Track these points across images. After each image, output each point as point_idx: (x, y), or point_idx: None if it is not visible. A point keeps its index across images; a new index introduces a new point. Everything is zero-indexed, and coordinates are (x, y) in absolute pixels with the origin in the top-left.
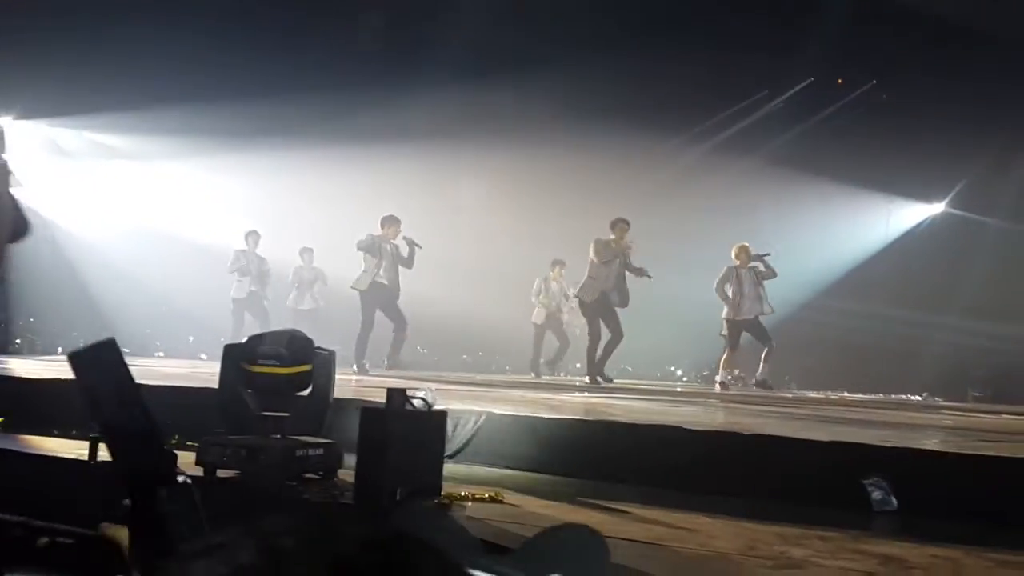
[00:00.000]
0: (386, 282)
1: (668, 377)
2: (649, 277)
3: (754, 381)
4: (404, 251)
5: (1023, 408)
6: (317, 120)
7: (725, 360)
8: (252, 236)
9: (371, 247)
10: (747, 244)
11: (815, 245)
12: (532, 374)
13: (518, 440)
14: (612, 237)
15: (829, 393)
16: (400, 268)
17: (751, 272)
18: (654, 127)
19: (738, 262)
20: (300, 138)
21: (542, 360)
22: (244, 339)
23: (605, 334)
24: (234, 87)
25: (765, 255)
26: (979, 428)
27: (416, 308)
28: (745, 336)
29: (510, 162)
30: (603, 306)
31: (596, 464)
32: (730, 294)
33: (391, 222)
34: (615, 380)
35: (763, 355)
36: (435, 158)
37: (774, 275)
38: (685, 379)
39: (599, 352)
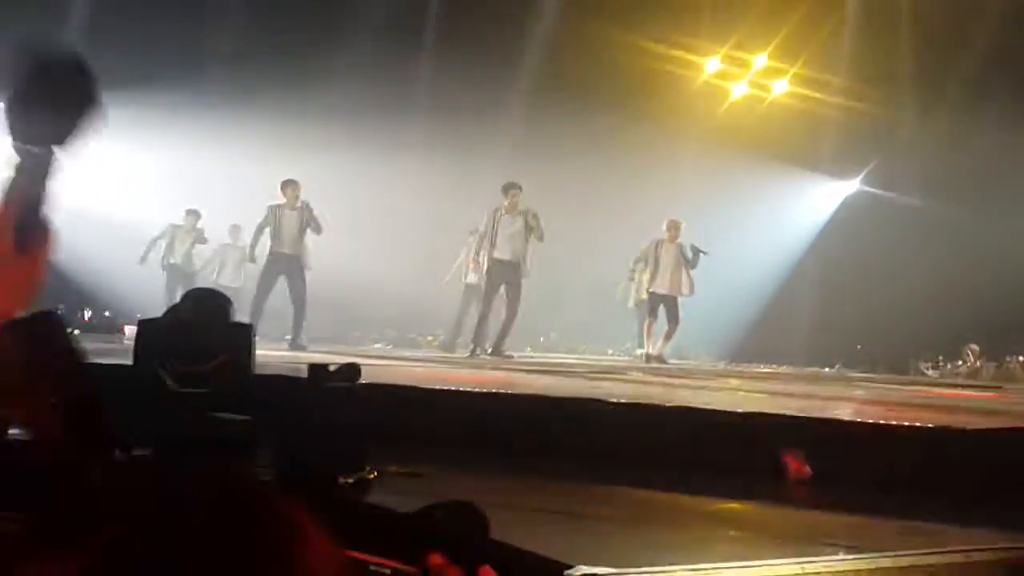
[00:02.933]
0: (287, 251)
1: (599, 352)
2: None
3: (650, 355)
4: (308, 216)
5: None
6: (239, 94)
7: (648, 330)
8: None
9: (265, 218)
10: (679, 220)
11: (743, 221)
12: (451, 346)
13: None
14: (504, 203)
15: (759, 366)
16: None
17: (677, 248)
18: (576, 99)
19: (666, 236)
20: (218, 113)
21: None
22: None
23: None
24: (152, 64)
25: (702, 252)
26: (891, 400)
27: (338, 281)
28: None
29: (424, 130)
30: (506, 277)
31: (523, 440)
32: (647, 266)
33: (289, 185)
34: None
35: (666, 331)
36: (354, 129)
37: (693, 267)
38: (611, 351)
39: (500, 327)
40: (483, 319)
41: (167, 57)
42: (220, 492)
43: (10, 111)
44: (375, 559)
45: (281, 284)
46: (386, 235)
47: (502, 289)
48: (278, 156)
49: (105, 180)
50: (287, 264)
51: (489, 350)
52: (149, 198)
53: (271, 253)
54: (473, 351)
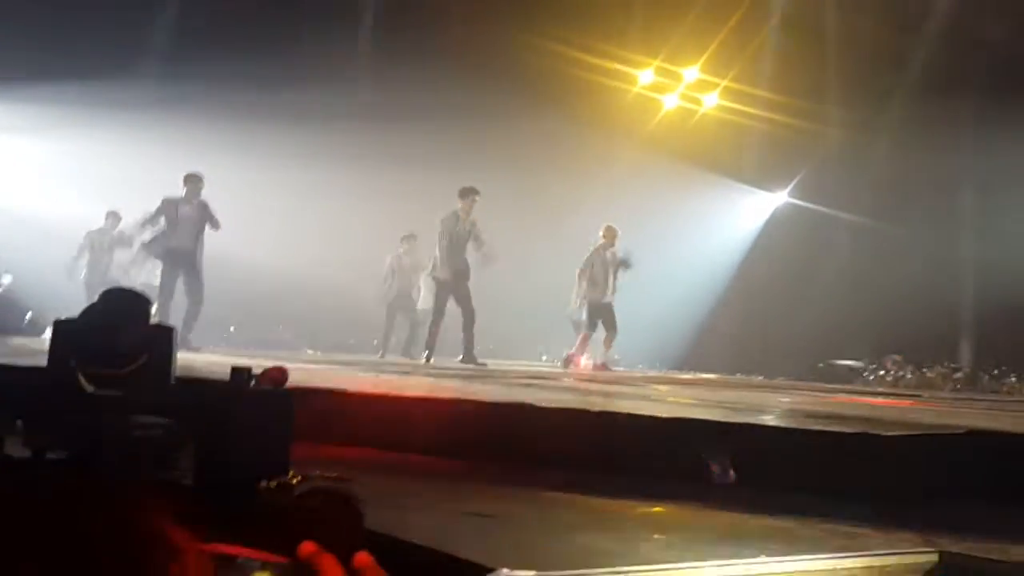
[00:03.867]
0: (181, 246)
1: (533, 358)
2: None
3: (597, 363)
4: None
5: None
6: (173, 93)
7: (583, 342)
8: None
9: (159, 211)
10: (613, 226)
11: (675, 231)
12: (380, 354)
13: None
14: (459, 207)
15: (688, 374)
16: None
17: (612, 255)
18: (511, 109)
19: (603, 241)
20: (149, 111)
21: (392, 340)
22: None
23: (455, 314)
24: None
25: (626, 263)
26: (814, 407)
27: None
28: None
29: (359, 136)
30: (458, 284)
31: (448, 444)
32: (588, 277)
33: (191, 180)
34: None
35: (606, 338)
36: (289, 133)
37: (626, 269)
38: (544, 358)
39: (463, 335)
40: (435, 327)
41: (95, 50)
42: (67, 495)
43: None
44: (244, 552)
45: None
46: (321, 241)
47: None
48: (210, 159)
49: (27, 178)
50: (183, 258)
51: (461, 358)
52: (72, 196)
53: (168, 250)
54: (428, 358)
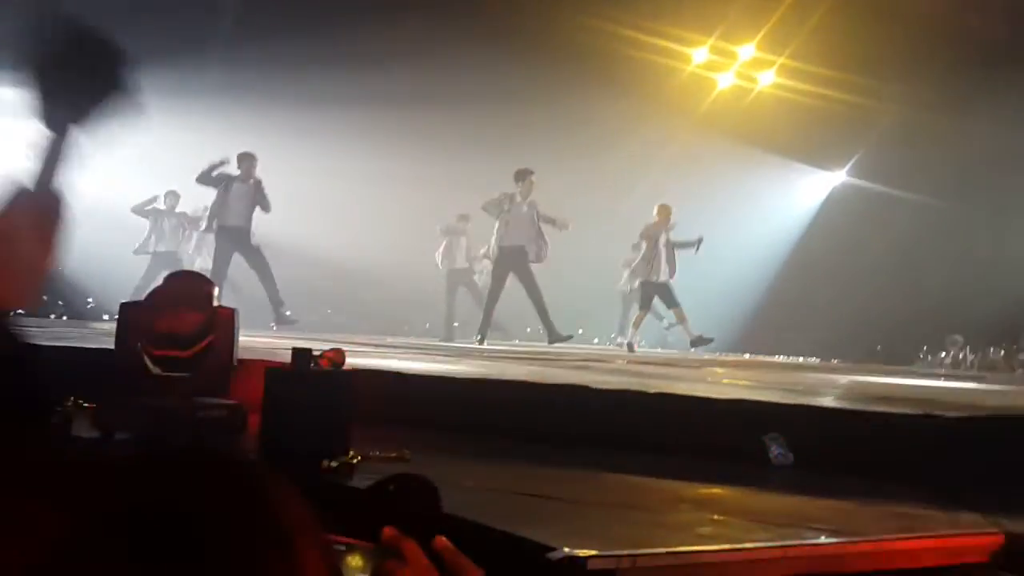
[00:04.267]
0: (235, 224)
1: (578, 339)
2: (566, 228)
3: (692, 338)
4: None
5: (911, 368)
6: (222, 76)
7: (637, 320)
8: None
9: (216, 183)
10: (668, 205)
11: (730, 212)
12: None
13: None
14: (517, 190)
15: (745, 356)
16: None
17: (667, 235)
18: (564, 89)
19: (658, 219)
20: (203, 95)
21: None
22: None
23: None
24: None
25: (696, 241)
26: (873, 390)
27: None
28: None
29: (410, 117)
30: (511, 264)
31: (507, 426)
32: (642, 254)
33: (246, 159)
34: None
35: (678, 315)
36: (339, 115)
37: (694, 249)
38: (596, 340)
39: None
40: (490, 307)
41: (150, 35)
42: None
43: (28, 88)
44: (333, 538)
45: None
46: (371, 222)
47: (508, 277)
48: (262, 142)
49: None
50: (236, 236)
51: (548, 340)
52: (126, 181)
53: (220, 228)
54: (481, 340)
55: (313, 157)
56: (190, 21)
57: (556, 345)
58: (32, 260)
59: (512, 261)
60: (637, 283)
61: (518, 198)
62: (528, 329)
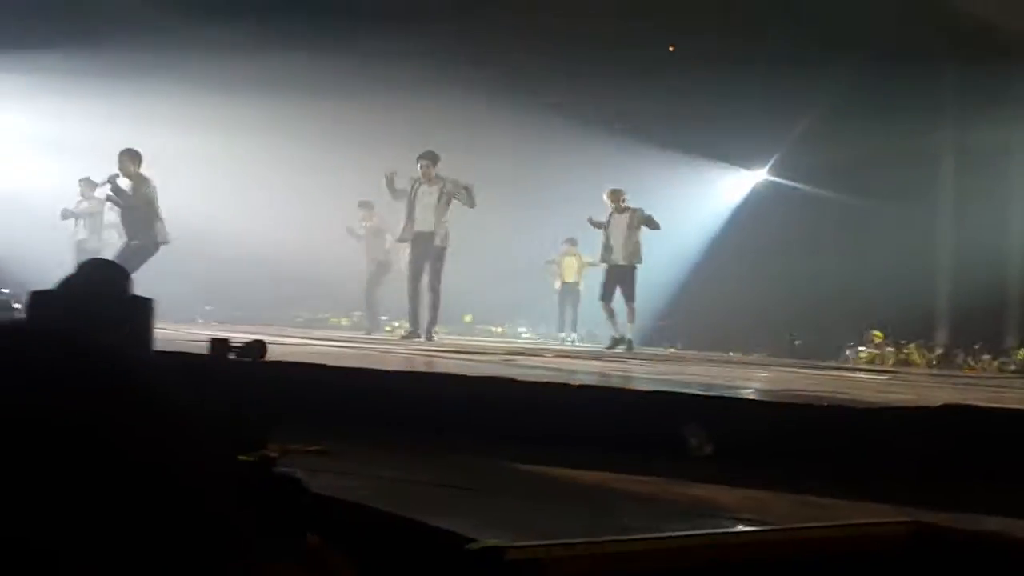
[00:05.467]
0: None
1: (513, 334)
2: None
3: (617, 338)
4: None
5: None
6: (143, 61)
7: (609, 311)
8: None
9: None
10: (619, 188)
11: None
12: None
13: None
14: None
15: (665, 349)
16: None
17: (629, 216)
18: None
19: (612, 206)
20: (124, 79)
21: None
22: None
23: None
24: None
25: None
26: (791, 383)
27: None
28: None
29: (337, 105)
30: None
31: (433, 420)
32: (603, 242)
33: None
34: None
35: (628, 312)
36: (263, 104)
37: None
38: (526, 335)
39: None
40: (414, 298)
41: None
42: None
43: None
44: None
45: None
46: (296, 214)
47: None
48: (178, 128)
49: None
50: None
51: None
52: (42, 167)
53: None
54: (412, 334)
55: (224, 145)
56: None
57: (489, 338)
58: None
59: (424, 247)
60: (571, 276)
61: (419, 183)
62: (466, 318)
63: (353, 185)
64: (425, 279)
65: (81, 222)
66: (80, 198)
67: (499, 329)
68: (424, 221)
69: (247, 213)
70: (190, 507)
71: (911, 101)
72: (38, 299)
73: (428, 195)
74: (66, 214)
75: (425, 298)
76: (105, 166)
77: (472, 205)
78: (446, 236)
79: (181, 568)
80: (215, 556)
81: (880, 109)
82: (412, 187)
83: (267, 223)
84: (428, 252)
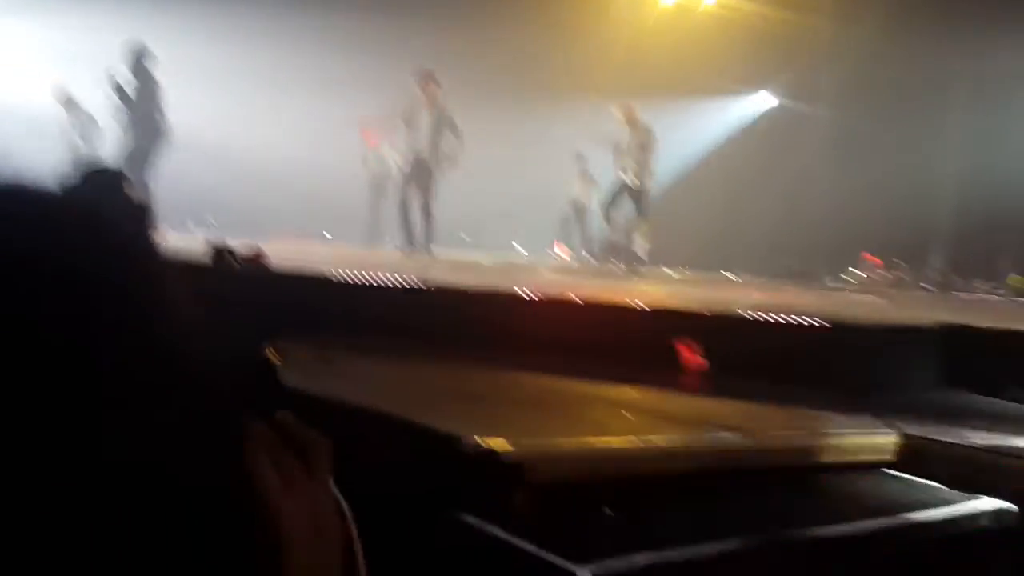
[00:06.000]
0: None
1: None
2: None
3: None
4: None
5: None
6: None
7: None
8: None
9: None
10: (624, 104)
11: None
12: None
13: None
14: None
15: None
16: None
17: (642, 133)
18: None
19: (625, 119)
20: None
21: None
22: None
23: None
24: None
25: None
26: (786, 301)
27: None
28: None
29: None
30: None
31: (433, 330)
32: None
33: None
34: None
35: (642, 227)
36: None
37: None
38: (526, 253)
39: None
40: (403, 210)
41: None
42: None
43: None
44: None
45: None
46: (291, 122)
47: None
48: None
49: None
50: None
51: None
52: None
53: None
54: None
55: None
56: None
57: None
58: None
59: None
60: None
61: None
62: (461, 234)
63: (363, 101)
64: (418, 199)
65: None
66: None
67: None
68: (421, 145)
69: (252, 124)
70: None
71: (922, 24)
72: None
73: (427, 119)
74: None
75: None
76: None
77: (459, 142)
78: (439, 159)
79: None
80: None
81: (888, 31)
82: (411, 108)
83: (275, 136)
84: (423, 174)
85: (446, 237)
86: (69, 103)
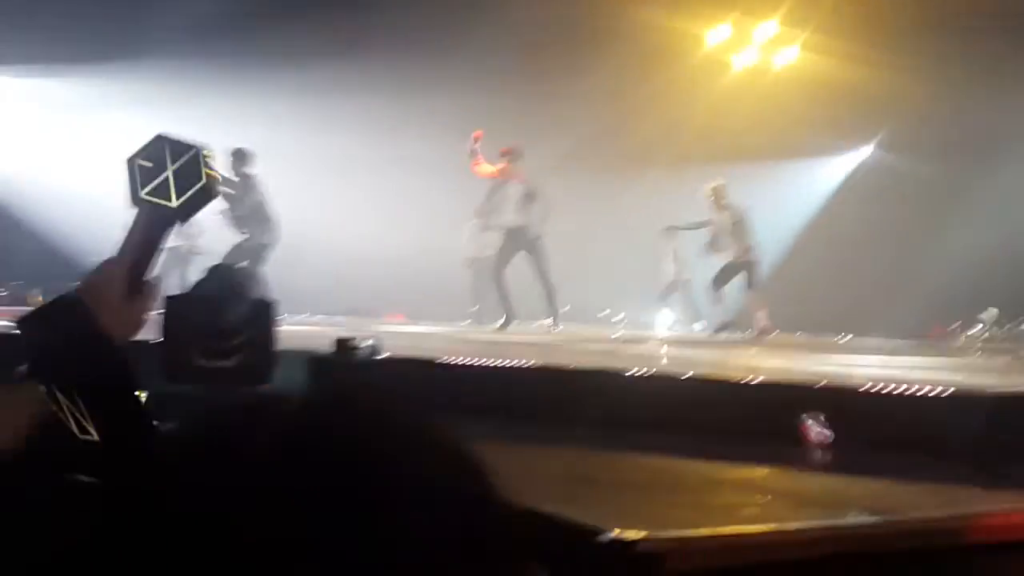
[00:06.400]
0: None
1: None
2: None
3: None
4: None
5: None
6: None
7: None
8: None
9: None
10: (716, 184)
11: (755, 192)
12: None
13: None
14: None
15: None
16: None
17: (731, 212)
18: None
19: (714, 204)
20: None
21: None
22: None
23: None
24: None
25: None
26: (907, 366)
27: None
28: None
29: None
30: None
31: (544, 412)
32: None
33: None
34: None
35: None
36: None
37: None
38: (625, 322)
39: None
40: (501, 290)
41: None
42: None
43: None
44: None
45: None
46: (389, 207)
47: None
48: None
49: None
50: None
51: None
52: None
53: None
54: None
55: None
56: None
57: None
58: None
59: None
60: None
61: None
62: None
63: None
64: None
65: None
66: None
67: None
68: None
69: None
70: None
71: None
72: (173, 303)
73: (516, 191)
74: None
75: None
76: None
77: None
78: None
79: None
80: None
81: (997, 80)
82: (498, 184)
83: (377, 222)
84: (522, 242)
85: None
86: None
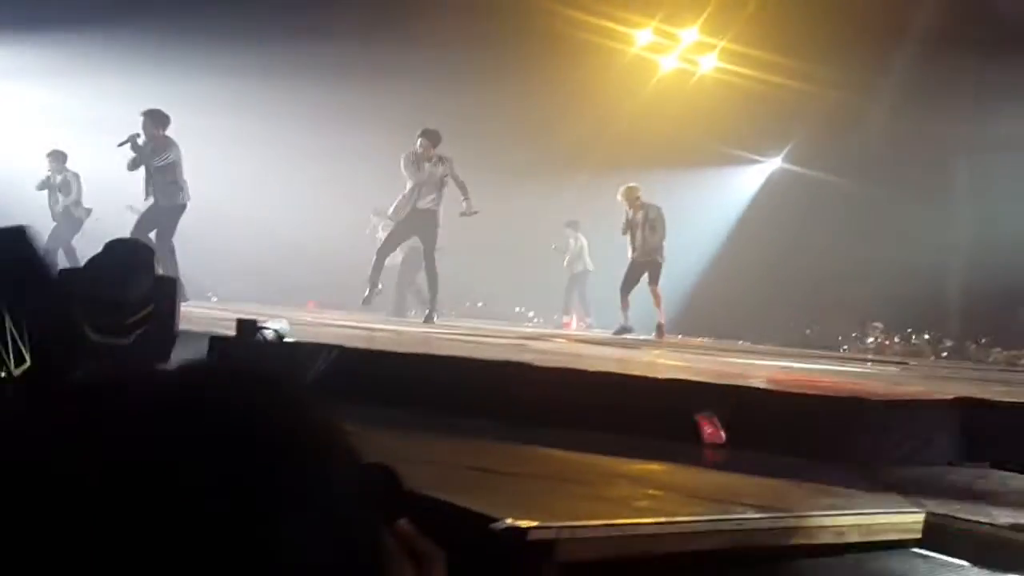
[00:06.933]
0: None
1: (519, 318)
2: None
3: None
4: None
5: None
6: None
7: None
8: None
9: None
10: (629, 185)
11: (669, 197)
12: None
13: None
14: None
15: (678, 338)
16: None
17: (645, 212)
18: (507, 67)
19: (626, 204)
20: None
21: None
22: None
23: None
24: None
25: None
26: (804, 372)
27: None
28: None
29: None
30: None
31: (446, 402)
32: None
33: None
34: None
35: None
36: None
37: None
38: (536, 320)
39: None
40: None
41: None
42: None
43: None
44: None
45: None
46: (309, 195)
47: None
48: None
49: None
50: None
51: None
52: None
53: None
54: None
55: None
56: None
57: (498, 322)
58: None
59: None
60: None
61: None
62: (468, 304)
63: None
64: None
65: (59, 193)
66: (50, 172)
67: (517, 310)
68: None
69: (266, 195)
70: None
71: (934, 89)
72: (67, 277)
73: (432, 173)
74: (42, 185)
75: (420, 279)
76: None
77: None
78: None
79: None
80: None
81: (900, 97)
82: (413, 162)
83: (286, 207)
84: (426, 229)
85: (457, 305)
86: (60, 166)
